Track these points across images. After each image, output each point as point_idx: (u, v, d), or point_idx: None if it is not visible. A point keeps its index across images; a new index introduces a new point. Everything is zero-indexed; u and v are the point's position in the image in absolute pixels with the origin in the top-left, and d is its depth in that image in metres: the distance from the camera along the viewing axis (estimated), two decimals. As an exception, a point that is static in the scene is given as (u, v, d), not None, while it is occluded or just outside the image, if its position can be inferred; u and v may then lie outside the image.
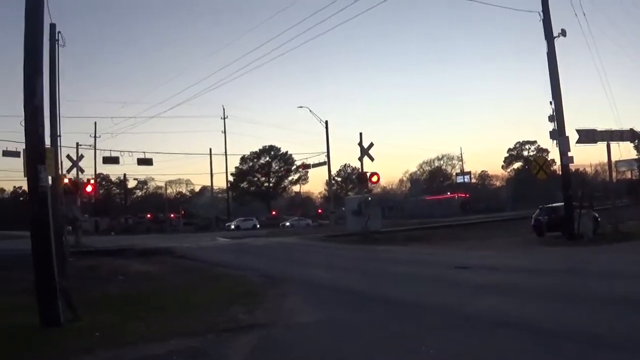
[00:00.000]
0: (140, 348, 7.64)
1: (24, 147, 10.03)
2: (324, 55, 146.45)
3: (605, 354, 6.46)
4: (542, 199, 32.58)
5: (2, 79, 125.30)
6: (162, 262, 23.41)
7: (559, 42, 25.13)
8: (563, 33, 24.92)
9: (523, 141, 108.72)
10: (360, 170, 39.48)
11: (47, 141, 17.86)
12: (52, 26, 22.54)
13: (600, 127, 26.30)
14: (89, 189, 37.71)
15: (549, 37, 25.08)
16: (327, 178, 70.02)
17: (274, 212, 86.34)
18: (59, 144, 23.34)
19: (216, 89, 71.86)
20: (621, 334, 7.15)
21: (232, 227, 68.84)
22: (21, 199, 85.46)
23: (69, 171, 37.55)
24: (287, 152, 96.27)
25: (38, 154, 9.46)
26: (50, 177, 12.78)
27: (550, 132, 25.59)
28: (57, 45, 22.91)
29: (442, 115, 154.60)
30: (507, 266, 17.11)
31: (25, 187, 42.07)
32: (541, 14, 25.19)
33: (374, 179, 38.81)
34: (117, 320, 9.57)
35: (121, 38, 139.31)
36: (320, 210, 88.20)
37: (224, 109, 79.72)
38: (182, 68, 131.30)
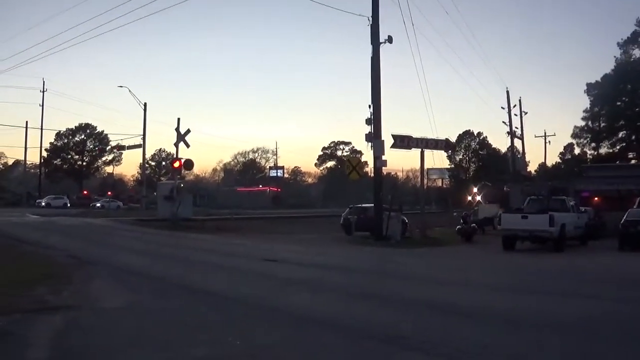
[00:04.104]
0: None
1: None
2: (148, 36, 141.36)
3: (406, 354, 6.48)
4: (353, 198, 33.45)
5: None
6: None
7: (385, 48, 25.88)
8: (389, 40, 25.65)
9: (338, 141, 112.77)
10: (175, 156, 38.15)
11: None
12: None
13: (417, 134, 27.28)
14: None
15: (375, 42, 25.69)
16: (141, 161, 69.09)
17: (85, 192, 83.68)
18: None
19: (37, 61, 67.47)
20: (423, 335, 7.25)
21: (43, 204, 66.79)
22: None
23: None
24: (102, 131, 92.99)
25: None
26: None
27: (366, 134, 26.17)
28: None
29: (261, 109, 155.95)
30: (315, 262, 17.41)
31: None
32: (370, 19, 25.73)
33: (188, 165, 37.93)
34: None
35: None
36: (132, 192, 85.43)
37: (44, 81, 77.10)
38: (2, 37, 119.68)
